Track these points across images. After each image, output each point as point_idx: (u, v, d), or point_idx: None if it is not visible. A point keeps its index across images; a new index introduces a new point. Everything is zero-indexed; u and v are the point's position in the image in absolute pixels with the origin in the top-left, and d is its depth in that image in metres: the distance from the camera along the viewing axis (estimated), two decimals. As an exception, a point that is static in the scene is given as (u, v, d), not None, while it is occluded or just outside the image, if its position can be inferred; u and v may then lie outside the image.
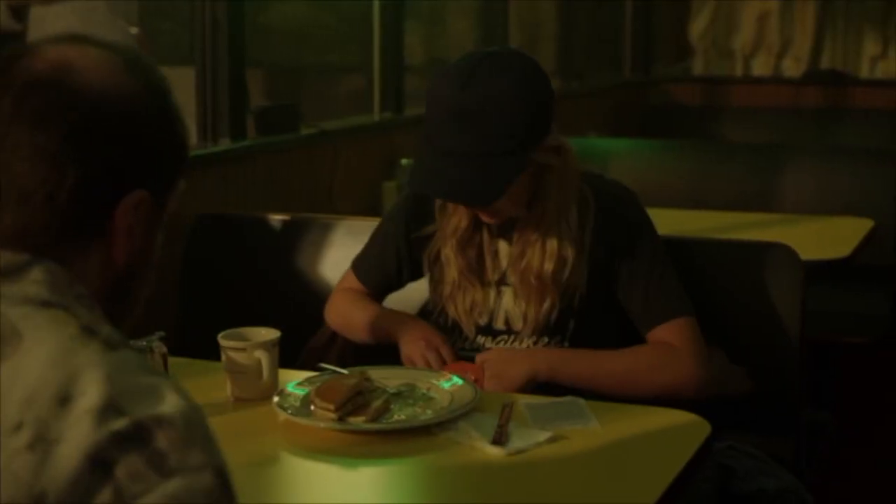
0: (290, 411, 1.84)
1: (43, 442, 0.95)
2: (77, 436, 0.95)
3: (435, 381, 1.95)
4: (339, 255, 2.68)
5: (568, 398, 1.91)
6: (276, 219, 2.81)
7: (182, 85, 3.43)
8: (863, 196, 4.05)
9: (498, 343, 2.14)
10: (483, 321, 2.16)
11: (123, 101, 1.13)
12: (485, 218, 2.10)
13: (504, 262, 2.15)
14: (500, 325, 2.15)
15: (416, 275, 2.29)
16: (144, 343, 1.86)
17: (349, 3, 4.62)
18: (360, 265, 2.35)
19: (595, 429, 1.79)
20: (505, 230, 2.14)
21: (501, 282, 2.15)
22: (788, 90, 5.73)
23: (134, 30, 3.57)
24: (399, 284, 2.33)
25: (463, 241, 2.14)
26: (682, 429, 1.81)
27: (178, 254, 2.80)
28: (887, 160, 4.18)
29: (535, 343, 2.12)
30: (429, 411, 1.84)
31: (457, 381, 1.95)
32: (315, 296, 2.66)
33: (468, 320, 2.16)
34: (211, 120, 3.17)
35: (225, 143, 3.22)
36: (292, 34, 4.30)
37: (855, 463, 3.58)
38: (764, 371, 2.33)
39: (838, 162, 4.28)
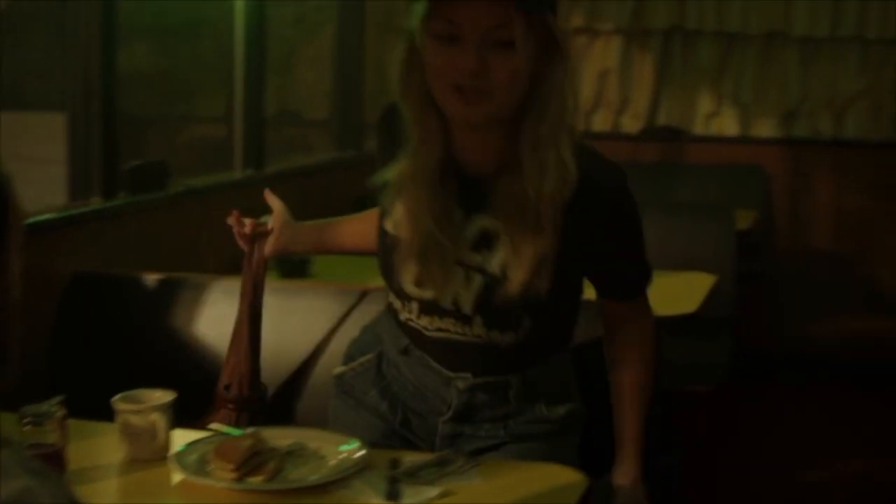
0: (188, 471, 1.90)
1: None
2: None
3: (325, 442, 2.04)
4: (214, 313, 2.72)
5: (448, 452, 2.01)
6: (152, 278, 2.83)
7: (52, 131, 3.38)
8: (701, 250, 4.26)
9: (444, 320, 2.03)
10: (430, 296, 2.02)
11: None
12: (473, 109, 1.90)
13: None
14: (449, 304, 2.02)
15: None
16: (45, 408, 1.90)
17: (201, 52, 4.63)
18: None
19: (479, 485, 1.90)
20: (477, 202, 2.00)
21: (468, 265, 2.00)
22: (627, 146, 5.96)
23: None
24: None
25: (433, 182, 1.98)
26: (561, 484, 1.91)
27: (50, 313, 2.82)
28: (723, 215, 4.41)
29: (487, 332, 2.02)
30: (322, 470, 1.92)
31: (350, 443, 2.03)
32: (191, 354, 2.70)
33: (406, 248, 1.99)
34: (82, 178, 3.19)
35: (96, 202, 3.24)
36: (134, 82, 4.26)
37: (698, 502, 3.79)
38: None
39: (678, 217, 4.47)
